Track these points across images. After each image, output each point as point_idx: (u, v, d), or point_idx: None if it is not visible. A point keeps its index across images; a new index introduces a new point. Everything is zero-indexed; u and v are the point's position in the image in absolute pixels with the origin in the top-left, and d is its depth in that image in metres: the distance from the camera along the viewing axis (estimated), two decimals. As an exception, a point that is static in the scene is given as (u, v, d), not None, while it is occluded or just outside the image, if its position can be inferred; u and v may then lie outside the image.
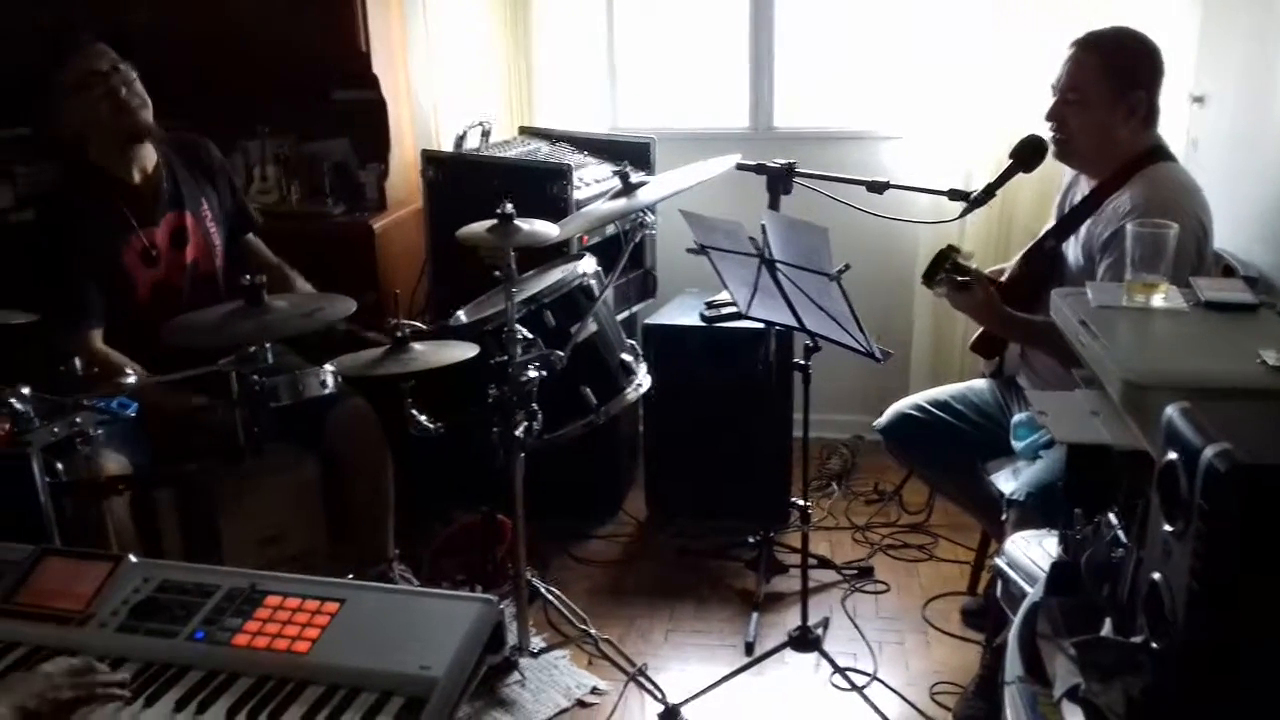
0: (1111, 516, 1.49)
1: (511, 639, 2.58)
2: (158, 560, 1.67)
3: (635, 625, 2.93)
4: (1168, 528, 1.20)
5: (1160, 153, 2.40)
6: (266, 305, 2.12)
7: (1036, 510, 2.21)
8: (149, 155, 2.67)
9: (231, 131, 2.71)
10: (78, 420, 1.90)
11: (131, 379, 1.99)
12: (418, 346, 2.32)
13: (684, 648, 2.84)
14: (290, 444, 2.52)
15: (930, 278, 2.47)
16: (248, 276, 2.13)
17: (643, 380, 2.70)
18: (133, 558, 1.61)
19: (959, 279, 2.42)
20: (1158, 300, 1.65)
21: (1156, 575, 1.22)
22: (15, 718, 1.27)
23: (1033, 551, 1.93)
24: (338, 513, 2.67)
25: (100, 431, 1.95)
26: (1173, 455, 1.19)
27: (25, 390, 1.84)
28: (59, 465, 1.93)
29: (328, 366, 2.23)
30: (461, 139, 3.35)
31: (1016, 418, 2.48)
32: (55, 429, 1.86)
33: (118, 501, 2.26)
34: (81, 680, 1.35)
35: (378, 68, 3.47)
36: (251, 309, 2.12)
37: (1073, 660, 1.31)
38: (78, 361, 1.95)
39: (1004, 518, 2.33)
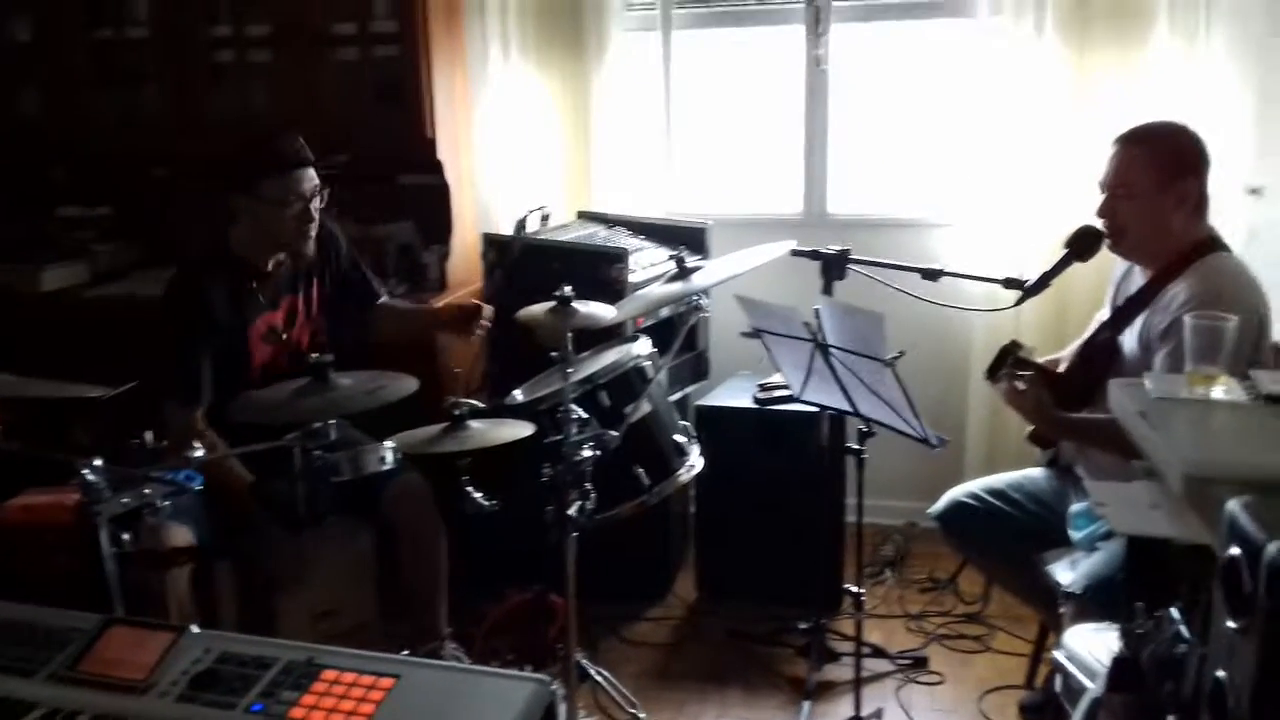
0: (1174, 611, 1.47)
1: (560, 721, 2.56)
2: (219, 631, 1.70)
3: (684, 710, 2.90)
4: (1231, 624, 1.18)
5: (1215, 243, 2.40)
6: (332, 382, 2.18)
7: (1094, 603, 2.18)
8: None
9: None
10: (146, 491, 1.94)
11: (199, 452, 2.04)
12: (474, 424, 2.35)
13: (733, 735, 2.80)
14: (347, 517, 2.55)
15: (993, 373, 2.47)
16: (314, 355, 2.19)
17: (695, 461, 2.71)
18: (194, 628, 1.64)
19: (1021, 373, 2.42)
20: (1218, 392, 1.64)
21: (1221, 672, 1.21)
22: None
23: (1093, 645, 1.89)
24: (391, 588, 2.68)
25: (167, 503, 1.99)
26: (1235, 550, 1.18)
27: (98, 462, 1.89)
28: (125, 536, 1.97)
29: (387, 443, 2.27)
30: (522, 223, 3.42)
31: (1074, 508, 2.45)
32: (125, 499, 1.90)
33: (177, 572, 2.30)
34: None
35: (443, 154, 3.58)
36: (318, 385, 2.17)
37: (1135, 758, 1.29)
38: (149, 435, 2.01)
39: (1061, 610, 2.29)
